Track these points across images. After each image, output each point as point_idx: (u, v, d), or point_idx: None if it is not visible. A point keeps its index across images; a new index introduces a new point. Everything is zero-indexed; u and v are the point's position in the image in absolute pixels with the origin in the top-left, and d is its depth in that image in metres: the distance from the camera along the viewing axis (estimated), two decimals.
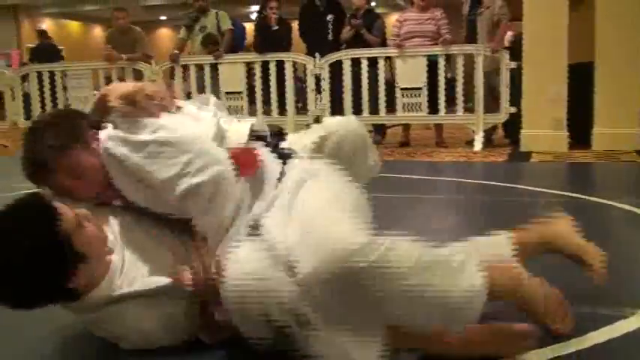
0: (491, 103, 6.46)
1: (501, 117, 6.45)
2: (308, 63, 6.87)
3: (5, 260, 1.31)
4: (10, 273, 1.32)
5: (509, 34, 6.94)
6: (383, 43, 6.94)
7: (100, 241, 1.50)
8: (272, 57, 6.98)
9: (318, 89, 6.85)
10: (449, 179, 4.69)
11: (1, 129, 7.90)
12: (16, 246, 1.31)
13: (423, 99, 6.56)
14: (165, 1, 19.15)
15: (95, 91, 7.89)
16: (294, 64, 7.05)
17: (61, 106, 7.67)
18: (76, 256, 1.39)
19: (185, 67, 7.31)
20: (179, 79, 7.30)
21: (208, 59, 7.10)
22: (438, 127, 6.91)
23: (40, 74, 7.72)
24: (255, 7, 19.90)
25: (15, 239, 1.32)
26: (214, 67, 7.12)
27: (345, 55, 6.75)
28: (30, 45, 15.14)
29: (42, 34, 12.03)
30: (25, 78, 7.83)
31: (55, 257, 1.36)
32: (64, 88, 7.78)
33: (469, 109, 6.63)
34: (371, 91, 6.70)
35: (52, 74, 7.73)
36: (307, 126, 1.87)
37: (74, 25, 22.46)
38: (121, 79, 7.43)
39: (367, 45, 6.81)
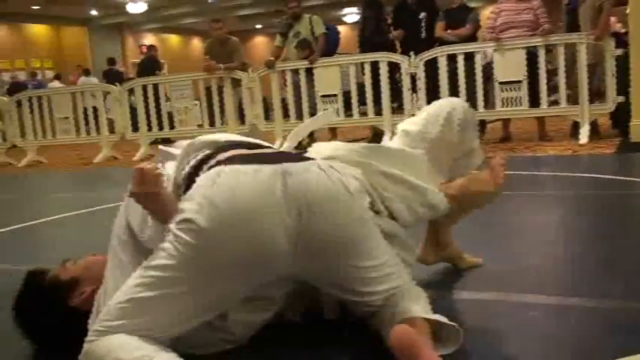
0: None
1: (608, 107, 6.16)
2: (403, 62, 6.81)
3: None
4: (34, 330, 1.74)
5: (613, 20, 6.61)
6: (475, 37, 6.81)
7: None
8: (367, 58, 6.97)
9: (414, 88, 6.76)
10: (559, 174, 4.50)
11: (111, 141, 8.31)
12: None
13: (524, 92, 6.35)
14: (259, 10, 19.57)
15: (196, 101, 8.20)
16: (389, 63, 7.00)
17: (165, 117, 7.99)
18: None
19: (281, 73, 7.43)
20: (275, 84, 7.43)
21: (303, 64, 7.18)
22: (540, 120, 6.68)
23: (144, 87, 8.08)
24: (349, 10, 20.22)
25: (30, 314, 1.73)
26: (309, 72, 7.19)
27: (441, 52, 6.64)
28: (135, 60, 15.87)
29: (150, 48, 12.56)
30: (131, 92, 8.21)
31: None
32: (167, 100, 8.11)
33: (573, 100, 6.36)
34: (468, 86, 6.55)
35: (155, 87, 8.07)
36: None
37: (174, 39, 23.37)
38: (220, 87, 7.66)
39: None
